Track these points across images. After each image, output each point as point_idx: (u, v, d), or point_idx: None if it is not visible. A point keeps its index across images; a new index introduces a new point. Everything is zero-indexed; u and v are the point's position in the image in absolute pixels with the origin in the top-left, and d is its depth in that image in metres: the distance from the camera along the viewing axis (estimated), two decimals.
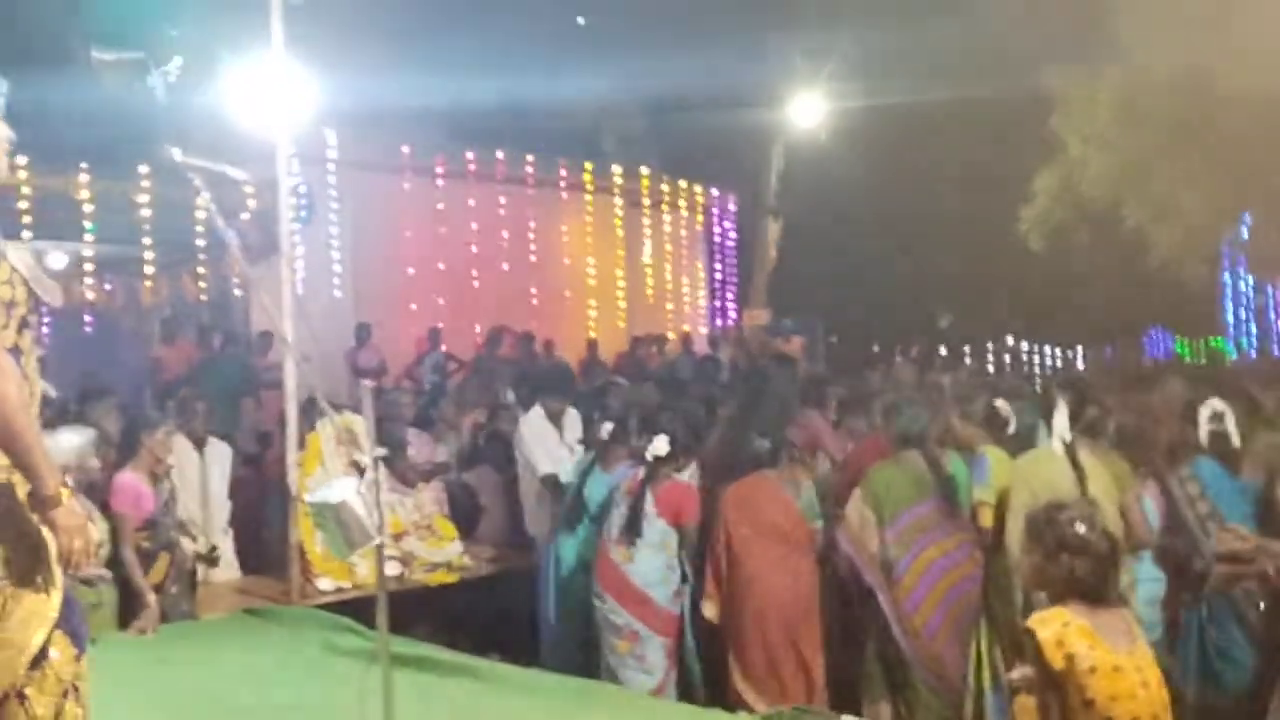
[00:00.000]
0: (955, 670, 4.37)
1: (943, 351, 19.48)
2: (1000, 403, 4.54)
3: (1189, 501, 3.81)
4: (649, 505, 4.94)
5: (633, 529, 4.90)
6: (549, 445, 6.22)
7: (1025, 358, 23.84)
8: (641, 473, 5.03)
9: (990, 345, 23.32)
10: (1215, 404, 3.90)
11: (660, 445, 4.95)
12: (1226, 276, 13.97)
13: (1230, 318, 14.49)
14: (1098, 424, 4.23)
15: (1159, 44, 9.92)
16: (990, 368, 21.73)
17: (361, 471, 2.95)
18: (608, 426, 5.70)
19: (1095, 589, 2.56)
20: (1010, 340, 23.36)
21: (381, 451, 2.94)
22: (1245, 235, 12.00)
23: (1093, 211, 12.85)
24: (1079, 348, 21.01)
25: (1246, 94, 8.87)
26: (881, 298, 21.93)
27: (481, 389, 9.25)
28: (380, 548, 2.93)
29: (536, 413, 6.43)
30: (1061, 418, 4.15)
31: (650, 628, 4.86)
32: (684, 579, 5.04)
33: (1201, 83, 9.43)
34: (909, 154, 16.91)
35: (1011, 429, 4.57)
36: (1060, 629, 2.51)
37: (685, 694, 4.94)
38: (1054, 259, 15.44)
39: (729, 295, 17.82)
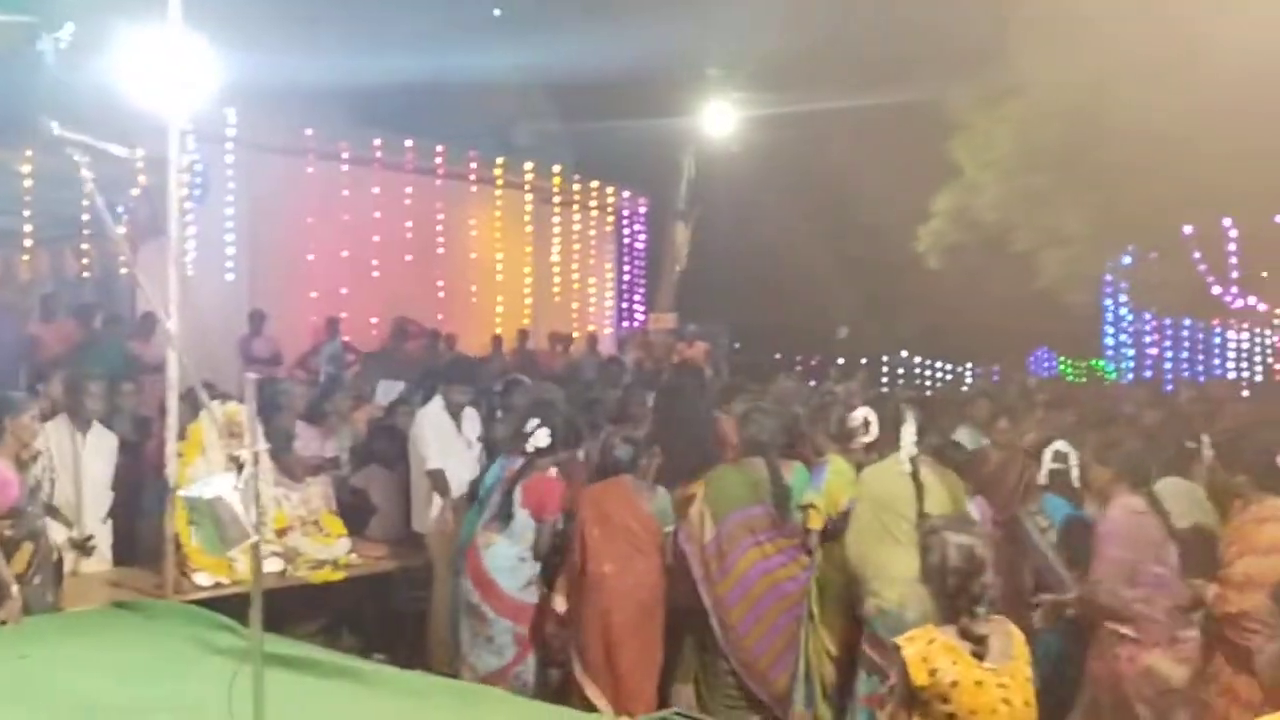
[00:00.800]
0: (767, 665, 4.63)
1: (840, 362, 19.83)
2: (854, 415, 4.72)
3: (1040, 531, 4.02)
4: (517, 495, 5.11)
5: (504, 516, 5.09)
6: (445, 439, 6.15)
7: (918, 372, 24.44)
8: (518, 464, 5.17)
9: (885, 359, 23.89)
10: (1060, 445, 4.21)
11: (540, 438, 5.10)
12: (1108, 302, 14.62)
13: (1111, 341, 15.17)
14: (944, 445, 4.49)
15: (1054, 79, 10.34)
16: (884, 381, 22.27)
17: (240, 466, 2.86)
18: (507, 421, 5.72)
19: (971, 605, 2.65)
20: (904, 354, 23.96)
21: (262, 446, 2.84)
22: (1127, 263, 12.57)
23: (986, 235, 13.32)
24: (969, 364, 21.65)
25: (1132, 130, 9.29)
26: (785, 307, 22.27)
27: (375, 381, 9.12)
28: (257, 545, 2.85)
29: (436, 405, 6.36)
30: (909, 433, 4.32)
31: (496, 611, 5.06)
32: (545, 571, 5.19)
33: (1091, 118, 9.86)
34: (816, 169, 17.24)
35: (868, 439, 4.75)
36: (925, 646, 2.61)
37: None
38: (949, 278, 15.93)
39: (636, 297, 17.89)
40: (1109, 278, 13.80)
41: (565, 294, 16.13)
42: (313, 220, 12.88)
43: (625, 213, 17.47)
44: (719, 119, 16.19)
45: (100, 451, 5.90)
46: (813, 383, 15.49)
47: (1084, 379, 18.49)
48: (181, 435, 5.43)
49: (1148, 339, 14.31)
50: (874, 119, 14.52)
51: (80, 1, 8.72)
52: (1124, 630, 3.67)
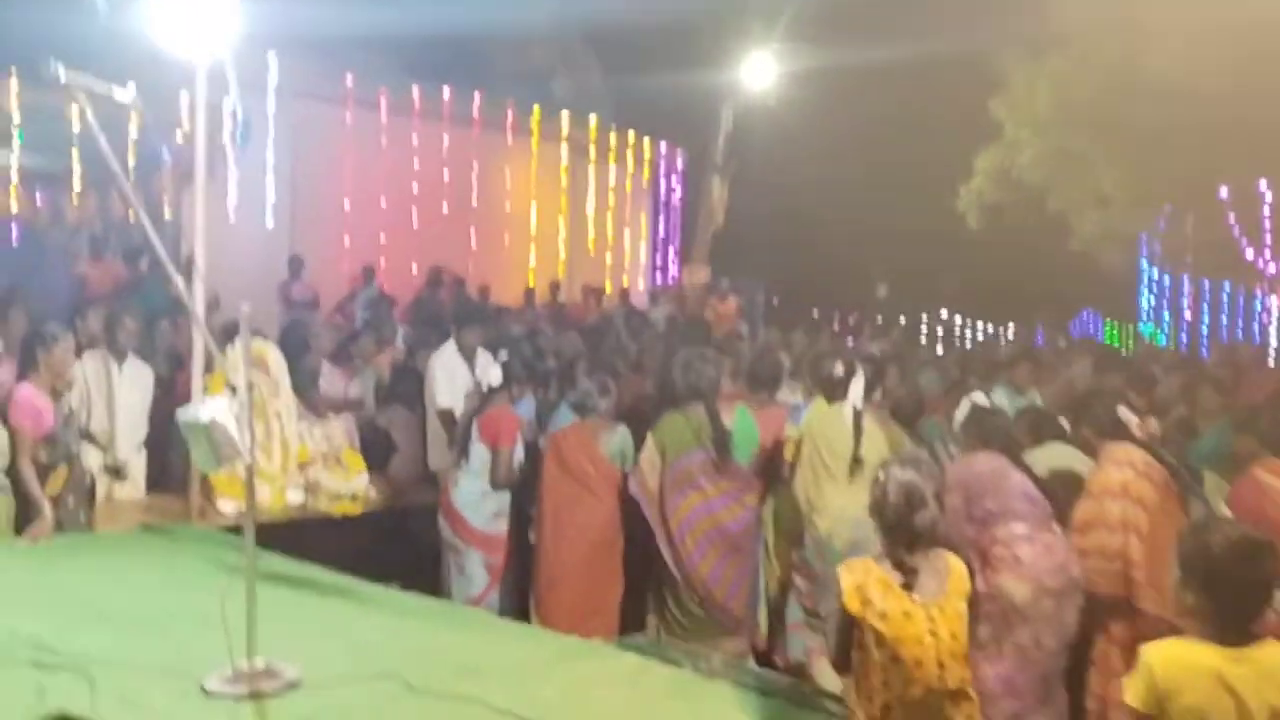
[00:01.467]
0: (722, 595, 4.92)
1: (879, 321, 19.81)
2: (837, 367, 4.93)
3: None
4: (474, 431, 5.43)
5: (464, 452, 5.45)
6: (457, 380, 6.36)
7: (958, 332, 24.23)
8: (476, 402, 5.53)
9: (925, 317, 23.75)
10: (977, 396, 4.62)
11: (493, 376, 5.53)
12: (1145, 264, 14.42)
13: (1147, 304, 14.98)
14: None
15: (1096, 37, 10.18)
16: (923, 339, 22.17)
17: (234, 391, 3.08)
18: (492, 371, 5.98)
19: (910, 540, 2.81)
20: (944, 314, 23.79)
21: (246, 381, 3.05)
22: (1162, 226, 12.40)
23: (1026, 194, 13.19)
24: (1009, 324, 21.49)
25: (1170, 90, 9.16)
26: (824, 264, 22.19)
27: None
28: (250, 466, 3.07)
29: (449, 347, 6.57)
30: (857, 386, 4.69)
31: (466, 542, 5.42)
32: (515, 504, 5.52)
33: (1130, 75, 9.71)
34: (857, 125, 17.13)
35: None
36: (862, 576, 2.78)
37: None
38: (989, 237, 15.81)
39: (671, 251, 17.95)
40: (1145, 240, 13.61)
41: (599, 247, 16.24)
42: (351, 168, 13.11)
43: (662, 166, 17.49)
44: (758, 72, 16.09)
45: (135, 383, 6.19)
46: (850, 340, 15.53)
47: (1130, 343, 18.33)
48: (209, 369, 5.70)
49: (1184, 302, 14.12)
50: (915, 74, 14.38)
51: None
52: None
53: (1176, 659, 2.27)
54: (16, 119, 9.43)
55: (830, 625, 2.90)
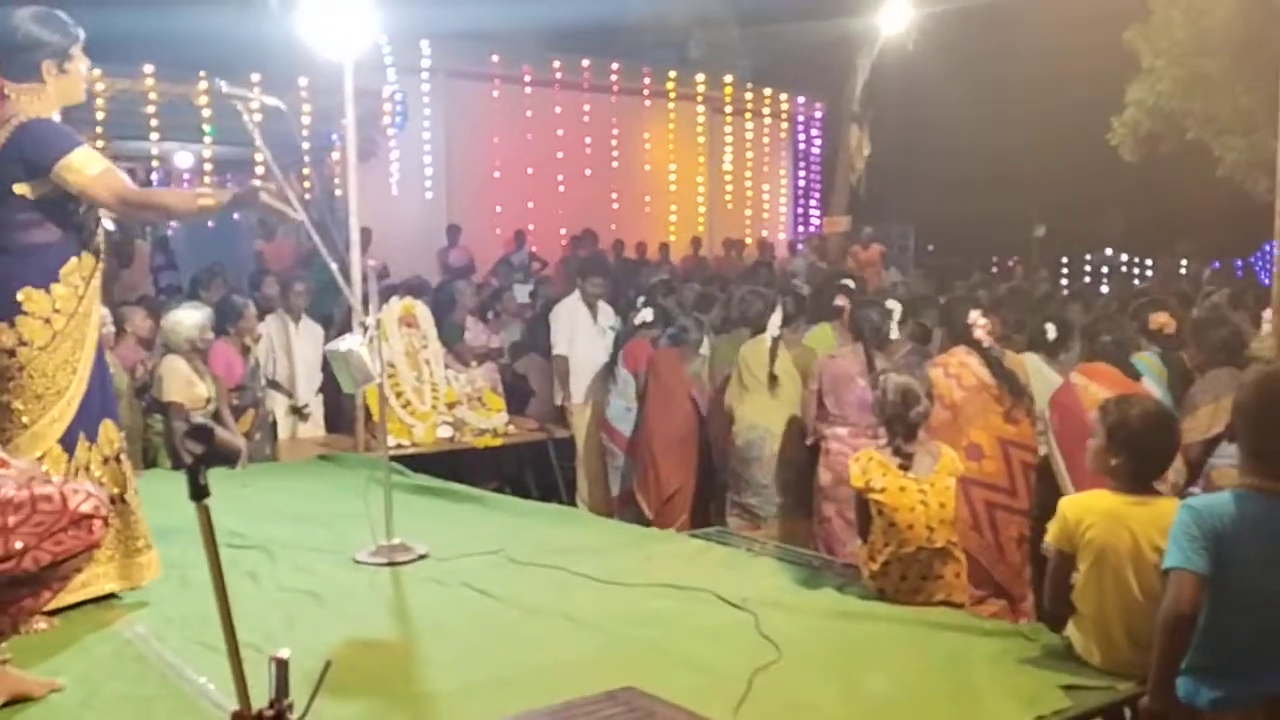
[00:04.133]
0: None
1: (1022, 264, 19.39)
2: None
3: None
4: (620, 358, 6.51)
5: (611, 377, 6.58)
6: (578, 327, 7.09)
7: (1124, 270, 23.36)
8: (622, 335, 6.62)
9: (1088, 257, 23.01)
10: (891, 303, 5.28)
11: (645, 315, 6.56)
12: None
13: None
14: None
15: None
16: (1087, 278, 21.53)
17: (365, 329, 3.88)
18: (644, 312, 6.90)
19: (907, 431, 3.35)
20: (1109, 252, 22.99)
21: (377, 318, 3.83)
22: None
23: (1175, 125, 12.81)
24: (1183, 260, 20.64)
25: None
26: (978, 207, 21.83)
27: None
28: (381, 386, 3.87)
29: (573, 297, 7.29)
30: (776, 317, 5.58)
31: (618, 447, 6.56)
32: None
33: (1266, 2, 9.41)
34: (996, 61, 16.84)
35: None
36: (866, 462, 3.35)
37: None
38: (1146, 170, 15.33)
39: (813, 202, 18.20)
40: None
41: (738, 201, 16.71)
42: (500, 140, 14.07)
43: (800, 118, 17.73)
44: (893, 17, 16.03)
45: (309, 338, 7.22)
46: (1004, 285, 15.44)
47: None
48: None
49: None
50: (1054, 7, 14.08)
51: None
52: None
53: (1083, 503, 2.77)
54: (207, 115, 10.69)
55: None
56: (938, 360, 4.69)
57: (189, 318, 5.61)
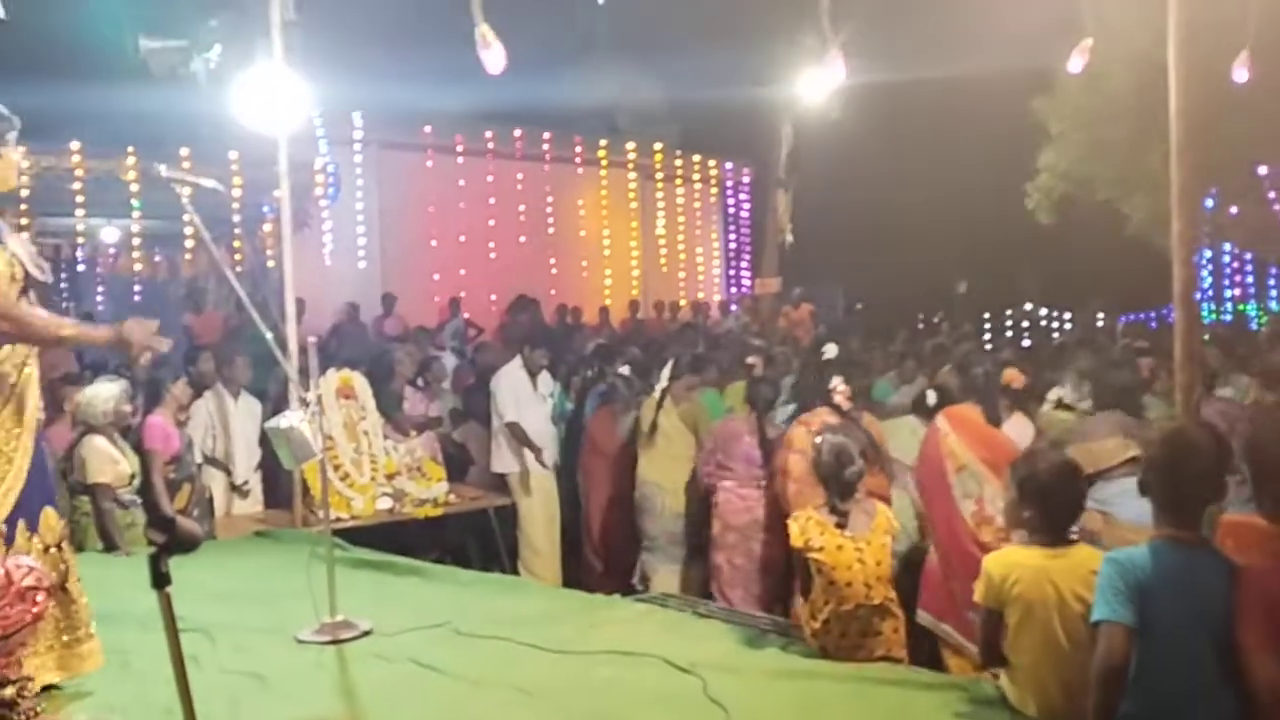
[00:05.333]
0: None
1: (937, 321, 19.99)
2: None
3: None
4: None
5: None
6: (521, 395, 7.13)
7: (1044, 323, 24.09)
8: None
9: (1009, 312, 23.73)
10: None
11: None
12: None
13: (1209, 283, 15.01)
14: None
15: (1124, 25, 10.44)
16: (1008, 333, 22.18)
17: (307, 405, 3.89)
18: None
19: (842, 490, 3.46)
20: (1028, 306, 23.74)
21: (316, 393, 3.85)
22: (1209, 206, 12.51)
23: (1086, 187, 13.40)
24: (1100, 313, 21.38)
25: (1199, 72, 9.37)
26: (901, 267, 22.39)
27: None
28: (322, 463, 3.88)
29: (514, 364, 7.34)
30: (666, 370, 6.31)
31: None
32: None
33: (1161, 61, 9.93)
34: (917, 128, 17.44)
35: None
36: (804, 522, 3.44)
37: None
38: (1062, 230, 15.95)
39: (743, 264, 18.54)
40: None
41: (672, 265, 16.97)
42: (433, 209, 14.16)
43: (729, 183, 18.13)
44: (816, 87, 16.52)
45: (248, 414, 7.14)
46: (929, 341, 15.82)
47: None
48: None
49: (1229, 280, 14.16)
50: (970, 82, 14.68)
51: (226, 24, 10.09)
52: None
53: (1006, 559, 2.88)
54: (135, 189, 10.61)
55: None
56: (802, 419, 5.17)
57: (104, 391, 5.51)
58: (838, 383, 5.05)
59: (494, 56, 5.06)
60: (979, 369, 5.38)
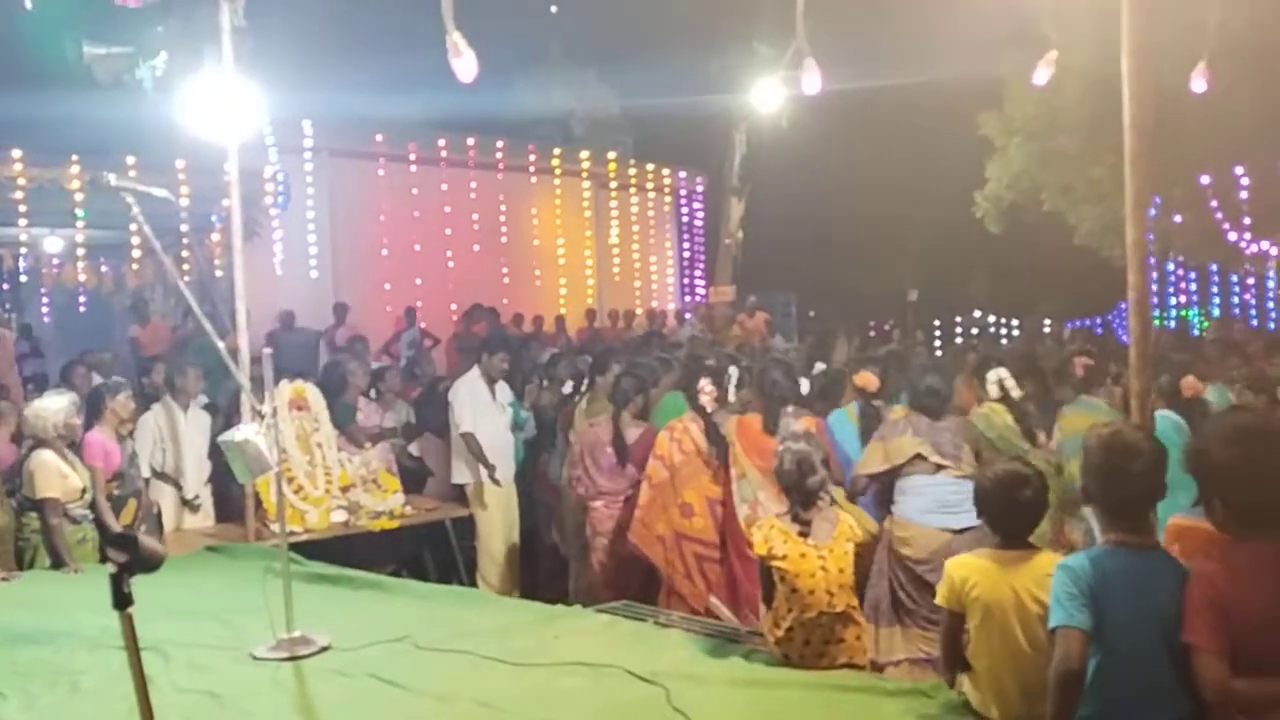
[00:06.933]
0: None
1: (888, 327, 20.28)
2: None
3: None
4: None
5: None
6: (479, 404, 7.07)
7: (993, 330, 24.50)
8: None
9: (959, 319, 24.09)
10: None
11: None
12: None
13: (1155, 290, 15.37)
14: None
15: (1076, 41, 10.65)
16: (958, 338, 22.52)
17: (262, 417, 3.82)
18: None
19: (804, 498, 3.48)
20: (977, 314, 24.11)
21: (272, 405, 3.78)
22: (1153, 215, 12.83)
23: (1032, 197, 13.66)
24: (1046, 320, 21.77)
25: (1152, 84, 9.60)
26: (856, 275, 22.63)
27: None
28: (279, 475, 3.81)
29: (473, 374, 7.27)
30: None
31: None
32: None
33: (1112, 73, 10.15)
34: (868, 137, 17.64)
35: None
36: (767, 531, 3.45)
37: None
38: (1009, 239, 16.23)
39: (698, 272, 18.62)
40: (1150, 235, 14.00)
41: (626, 273, 16.98)
42: (386, 218, 14.03)
43: (683, 192, 18.20)
44: (768, 96, 16.67)
45: (199, 427, 7.00)
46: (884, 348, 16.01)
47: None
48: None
49: (1174, 287, 14.53)
50: (918, 92, 14.88)
51: (172, 30, 9.91)
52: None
53: (967, 564, 2.92)
54: (80, 198, 10.38)
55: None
56: (670, 424, 5.41)
57: (53, 404, 5.38)
58: (705, 383, 5.30)
59: (466, 64, 5.00)
60: (770, 375, 5.50)
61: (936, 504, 4.54)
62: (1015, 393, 5.21)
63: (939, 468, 4.64)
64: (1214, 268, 14.49)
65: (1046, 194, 12.17)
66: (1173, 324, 14.68)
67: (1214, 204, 11.80)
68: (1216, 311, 15.23)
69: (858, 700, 3.12)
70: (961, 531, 4.39)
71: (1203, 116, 9.86)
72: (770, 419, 5.10)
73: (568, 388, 7.54)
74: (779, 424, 5.04)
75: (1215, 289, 15.42)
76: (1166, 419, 5.03)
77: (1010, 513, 2.90)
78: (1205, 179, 11.60)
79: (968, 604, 2.85)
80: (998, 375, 5.26)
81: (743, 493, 4.96)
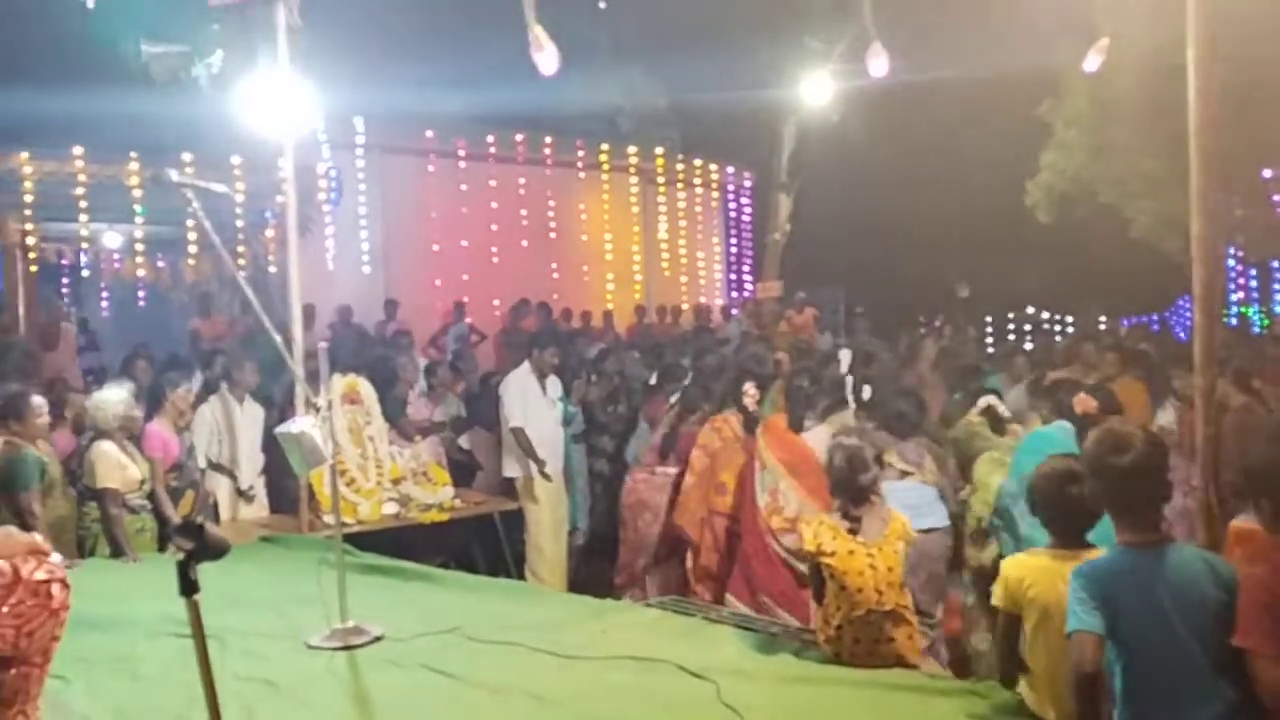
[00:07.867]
0: None
1: (938, 323, 20.06)
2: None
3: None
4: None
5: None
6: (529, 399, 7.10)
7: (1046, 326, 24.10)
8: None
9: (1011, 315, 23.73)
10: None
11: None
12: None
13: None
14: None
15: (1133, 26, 10.44)
16: (1010, 335, 22.19)
17: (318, 410, 3.88)
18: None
19: (855, 495, 3.45)
20: (1030, 309, 23.73)
21: (327, 399, 3.83)
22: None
23: (1088, 188, 13.40)
24: (1103, 317, 21.37)
25: (1218, 75, 9.40)
26: (906, 270, 22.40)
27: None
28: (333, 467, 3.86)
29: (524, 369, 7.30)
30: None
31: None
32: None
33: (1169, 65, 9.93)
34: (917, 129, 17.44)
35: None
36: (817, 527, 3.42)
37: None
38: (1062, 232, 15.95)
39: (745, 268, 18.54)
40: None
41: (674, 269, 16.95)
42: (436, 214, 14.14)
43: (730, 187, 18.12)
44: (818, 90, 16.54)
45: (253, 419, 7.13)
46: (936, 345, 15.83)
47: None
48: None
49: (1233, 283, 14.19)
50: (973, 84, 14.68)
51: (228, 29, 10.08)
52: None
53: (1022, 563, 2.88)
54: (138, 194, 10.59)
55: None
56: (713, 418, 5.82)
57: (114, 396, 5.50)
58: (749, 387, 5.62)
59: (548, 58, 5.05)
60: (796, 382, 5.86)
61: (902, 506, 4.64)
62: (1005, 413, 5.36)
63: (904, 474, 4.94)
64: (1275, 263, 14.14)
65: (1101, 185, 11.93)
66: (1233, 320, 14.34)
67: (1275, 198, 11.51)
68: (1278, 309, 14.87)
69: (909, 699, 3.09)
70: (928, 532, 4.63)
71: (1265, 109, 9.62)
72: (794, 419, 5.53)
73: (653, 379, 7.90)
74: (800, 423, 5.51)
75: (1277, 285, 15.05)
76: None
77: (1063, 510, 2.86)
78: (1268, 172, 11.30)
79: (1024, 604, 2.80)
80: (987, 401, 5.57)
81: (764, 482, 5.33)
